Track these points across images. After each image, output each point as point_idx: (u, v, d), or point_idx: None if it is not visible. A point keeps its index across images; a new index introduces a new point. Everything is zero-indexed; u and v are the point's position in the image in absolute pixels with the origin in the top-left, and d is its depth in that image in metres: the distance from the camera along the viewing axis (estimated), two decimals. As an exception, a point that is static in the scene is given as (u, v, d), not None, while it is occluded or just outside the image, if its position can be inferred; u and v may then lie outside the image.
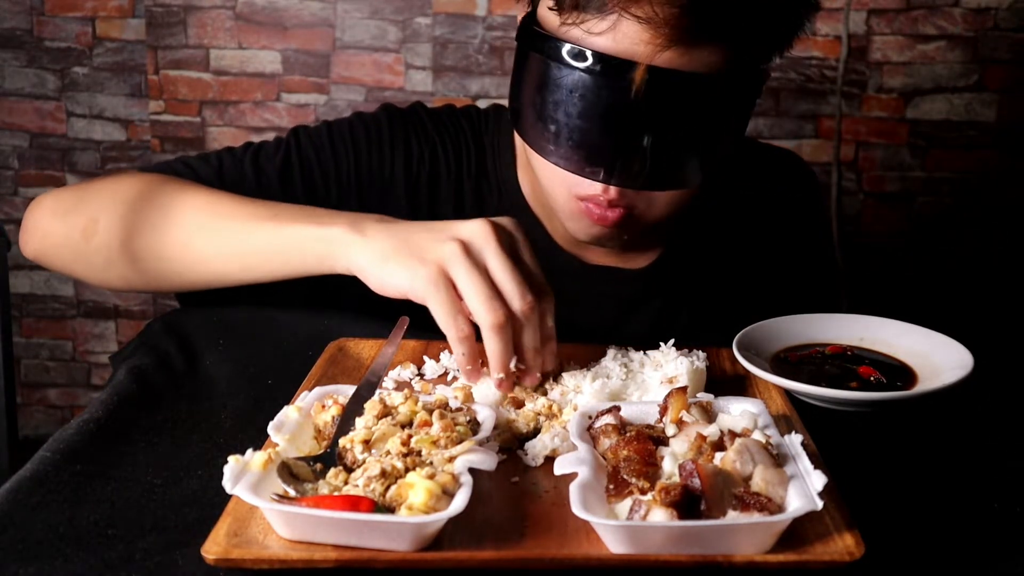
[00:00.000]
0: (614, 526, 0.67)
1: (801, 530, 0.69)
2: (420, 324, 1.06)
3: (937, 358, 0.99)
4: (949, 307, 2.52)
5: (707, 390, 0.92)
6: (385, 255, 0.94)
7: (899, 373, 0.98)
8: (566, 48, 0.98)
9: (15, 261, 2.74)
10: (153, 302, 2.82)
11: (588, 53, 0.96)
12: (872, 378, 0.96)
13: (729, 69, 0.99)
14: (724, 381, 0.99)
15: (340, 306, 1.13)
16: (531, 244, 0.95)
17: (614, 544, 0.68)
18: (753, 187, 1.30)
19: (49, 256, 1.17)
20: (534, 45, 1.02)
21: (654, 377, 0.91)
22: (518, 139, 1.23)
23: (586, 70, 0.97)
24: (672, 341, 0.97)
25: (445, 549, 0.68)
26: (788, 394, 0.93)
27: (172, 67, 2.69)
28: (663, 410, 0.81)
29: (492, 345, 0.88)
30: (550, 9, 1.01)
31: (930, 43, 2.55)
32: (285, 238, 1.03)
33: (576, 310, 1.11)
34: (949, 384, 0.91)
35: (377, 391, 0.86)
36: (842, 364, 1.00)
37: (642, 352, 0.95)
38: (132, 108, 2.72)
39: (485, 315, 0.88)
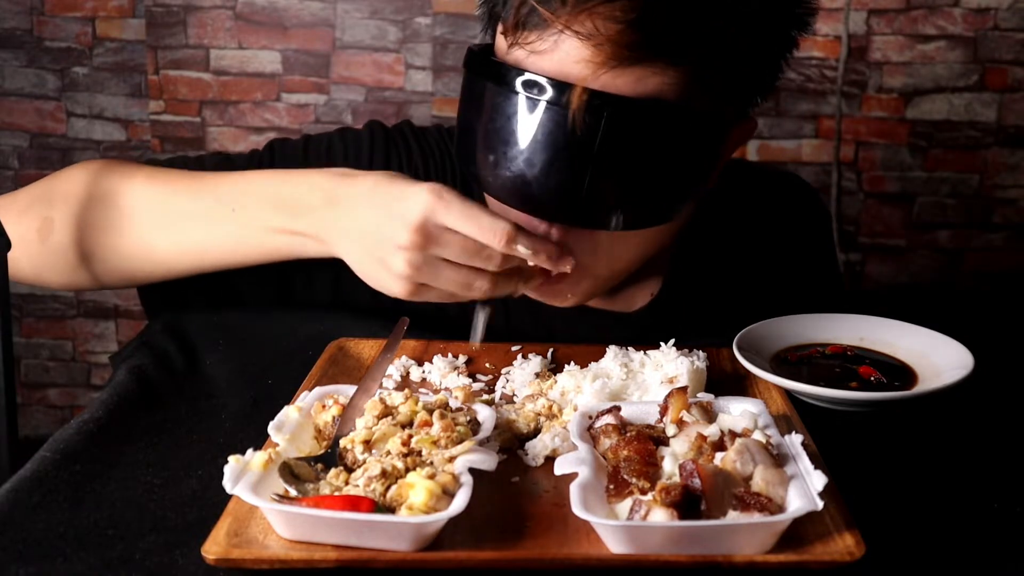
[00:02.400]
0: (614, 526, 0.67)
1: (801, 530, 0.69)
2: (420, 324, 1.07)
3: (937, 358, 0.99)
4: (949, 307, 2.52)
5: (707, 390, 0.92)
6: (362, 268, 0.96)
7: (899, 373, 0.98)
8: (505, 70, 0.91)
9: (15, 261, 2.74)
10: (153, 302, 2.82)
11: (524, 73, 0.89)
12: (872, 378, 0.96)
13: (683, 99, 0.90)
14: (724, 381, 0.99)
15: (340, 306, 1.12)
16: (466, 202, 0.91)
17: (614, 544, 0.68)
18: (756, 215, 1.22)
19: (15, 264, 1.09)
20: (474, 68, 0.97)
21: (654, 377, 0.91)
22: None
23: (525, 94, 0.89)
24: (672, 341, 0.97)
25: (445, 549, 0.68)
26: (788, 394, 0.93)
27: (172, 67, 2.69)
28: (663, 410, 0.81)
29: (481, 315, 0.96)
30: (500, 34, 0.96)
31: (930, 43, 2.55)
32: (248, 235, 1.02)
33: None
34: (949, 384, 0.91)
35: (377, 391, 0.86)
36: (842, 364, 1.00)
37: (642, 352, 0.95)
38: (132, 108, 2.72)
39: (473, 296, 0.93)
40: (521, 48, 0.91)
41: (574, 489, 0.70)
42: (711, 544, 0.67)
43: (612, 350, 0.96)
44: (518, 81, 0.89)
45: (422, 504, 0.68)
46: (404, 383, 0.98)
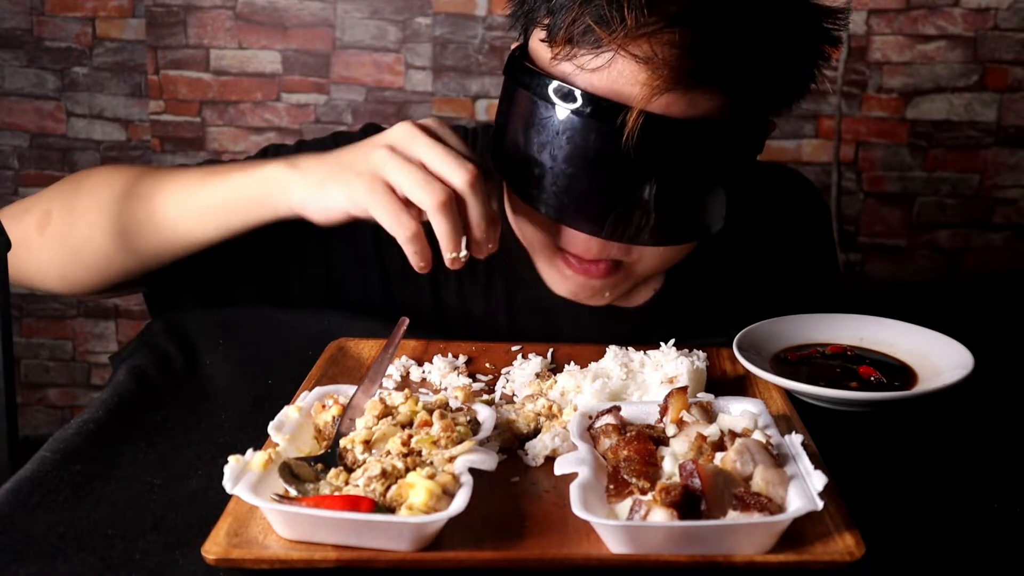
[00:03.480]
0: (614, 526, 0.67)
1: (801, 530, 0.69)
2: (420, 324, 1.07)
3: (937, 358, 0.99)
4: (949, 307, 2.52)
5: (707, 390, 0.92)
6: (321, 181, 0.96)
7: (899, 373, 0.98)
8: (554, 85, 0.91)
9: (15, 261, 2.74)
10: (153, 302, 2.82)
11: (578, 93, 0.89)
12: (872, 378, 0.96)
13: (729, 118, 0.92)
14: (724, 381, 0.99)
15: (340, 306, 1.13)
16: (458, 135, 0.96)
17: (614, 544, 0.68)
18: (756, 209, 1.23)
19: (12, 264, 1.13)
20: (522, 80, 0.95)
21: (654, 377, 0.91)
22: None
23: (575, 111, 0.89)
24: (672, 341, 0.97)
25: (445, 549, 0.68)
26: (788, 394, 0.93)
27: (172, 67, 2.69)
28: (663, 410, 0.81)
29: (440, 225, 0.90)
30: (541, 41, 0.94)
31: (930, 43, 2.55)
32: (228, 189, 1.03)
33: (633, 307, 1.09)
34: (949, 384, 0.91)
35: (377, 391, 0.86)
36: (842, 364, 0.99)
37: (642, 352, 0.95)
38: (132, 108, 2.72)
39: (427, 197, 0.90)
40: (568, 62, 0.91)
41: (574, 489, 0.70)
42: (711, 544, 0.67)
43: (612, 350, 0.96)
44: (572, 100, 0.90)
45: (422, 504, 0.68)
46: (404, 383, 0.98)
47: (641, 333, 1.11)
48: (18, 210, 1.15)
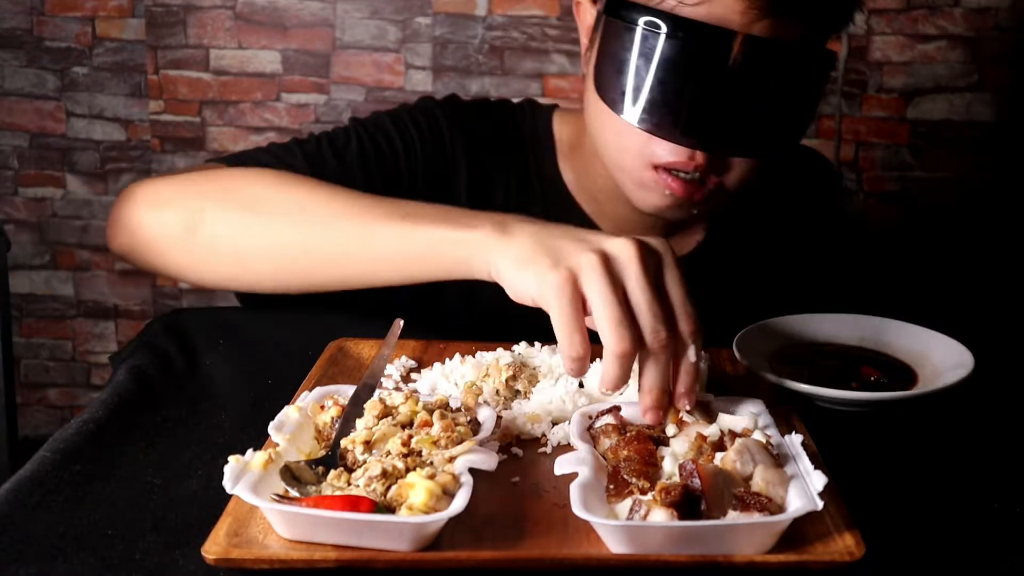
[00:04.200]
0: (614, 526, 0.67)
1: (801, 530, 0.69)
2: (420, 324, 1.07)
3: (937, 358, 0.99)
4: (949, 307, 2.53)
5: (707, 390, 0.92)
6: (522, 259, 0.86)
7: (899, 373, 0.98)
8: (664, 19, 1.01)
9: (15, 261, 2.74)
10: (153, 302, 2.82)
11: (688, 23, 1.00)
12: (872, 378, 0.96)
13: (809, 42, 1.05)
14: (724, 381, 0.99)
15: (340, 306, 1.13)
16: (680, 270, 0.85)
17: (614, 544, 0.68)
18: (781, 183, 1.33)
19: (141, 251, 1.10)
20: (627, 16, 1.04)
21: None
22: (561, 130, 1.27)
23: (685, 39, 1.00)
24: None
25: (445, 549, 0.68)
26: (788, 394, 0.93)
27: (172, 67, 2.69)
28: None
29: (609, 369, 0.80)
30: None
31: (930, 43, 2.55)
32: (420, 240, 0.94)
33: None
34: (949, 384, 0.91)
35: (376, 392, 0.86)
36: (842, 364, 0.99)
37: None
38: (132, 108, 2.72)
39: (611, 340, 0.79)
40: None
41: (574, 489, 0.70)
42: (711, 544, 0.67)
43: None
44: (682, 30, 1.01)
45: (422, 504, 0.68)
46: (404, 383, 0.98)
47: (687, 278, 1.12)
48: (155, 199, 1.08)
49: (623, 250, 0.82)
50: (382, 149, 1.20)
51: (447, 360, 0.98)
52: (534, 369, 0.96)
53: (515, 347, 1.00)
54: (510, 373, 0.92)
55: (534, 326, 1.13)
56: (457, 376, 0.95)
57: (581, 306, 0.81)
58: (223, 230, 1.05)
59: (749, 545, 0.67)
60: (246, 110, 2.70)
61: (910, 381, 0.97)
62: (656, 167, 1.08)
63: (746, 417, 0.80)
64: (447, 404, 0.83)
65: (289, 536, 0.69)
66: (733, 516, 0.69)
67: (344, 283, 1.03)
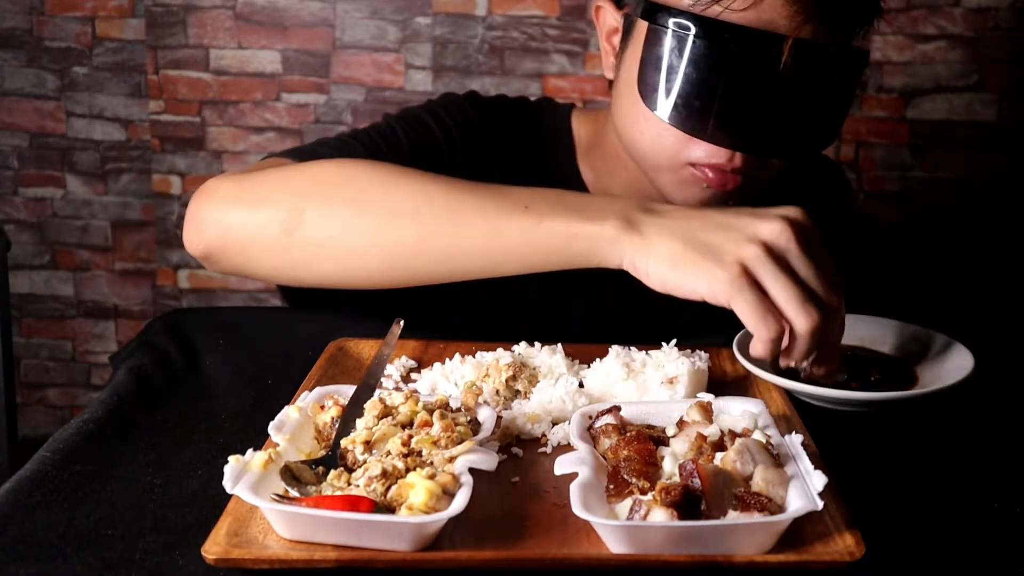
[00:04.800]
0: (614, 526, 0.67)
1: (801, 530, 0.69)
2: (420, 324, 1.07)
3: (937, 358, 0.99)
4: (949, 307, 2.52)
5: (707, 390, 0.92)
6: (674, 261, 0.88)
7: (899, 373, 0.98)
8: (711, 25, 1.01)
9: (15, 261, 2.74)
10: (153, 302, 2.82)
11: (737, 29, 1.00)
12: (872, 378, 0.96)
13: (844, 43, 1.06)
14: (724, 381, 0.99)
15: (340, 306, 1.13)
16: (819, 235, 0.92)
17: (614, 544, 0.68)
18: (791, 188, 1.27)
19: (231, 253, 1.03)
20: (673, 23, 1.03)
21: (655, 377, 0.91)
22: (580, 130, 1.27)
23: (734, 45, 1.00)
24: (674, 341, 0.97)
25: (445, 549, 0.68)
26: (788, 394, 0.93)
27: (172, 67, 2.69)
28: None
29: (803, 345, 0.87)
30: None
31: (930, 43, 2.55)
32: (545, 234, 0.93)
33: (630, 300, 1.11)
34: (949, 384, 0.92)
35: (376, 391, 0.86)
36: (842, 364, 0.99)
37: (644, 352, 0.95)
38: (132, 108, 2.72)
39: (803, 320, 0.86)
40: (717, 4, 1.01)
41: (574, 489, 0.70)
42: (711, 544, 0.67)
43: (614, 349, 0.96)
44: (731, 36, 1.00)
45: (422, 504, 0.68)
46: (404, 383, 0.98)
47: None
48: (242, 197, 1.03)
49: (779, 235, 0.88)
50: (426, 142, 1.20)
51: (447, 360, 0.98)
52: (534, 369, 0.96)
53: (515, 347, 1.00)
54: (510, 373, 0.92)
55: (534, 326, 1.14)
56: (457, 376, 0.95)
57: (761, 291, 0.86)
58: (329, 228, 0.99)
59: (749, 545, 0.67)
60: (246, 110, 2.70)
61: (910, 381, 0.97)
62: (694, 164, 1.08)
63: (746, 417, 0.80)
64: (447, 404, 0.83)
65: (289, 536, 0.69)
66: (733, 516, 0.68)
67: (462, 277, 1.00)
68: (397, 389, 0.94)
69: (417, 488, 0.69)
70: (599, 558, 0.68)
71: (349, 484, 0.72)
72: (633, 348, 0.97)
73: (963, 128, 2.58)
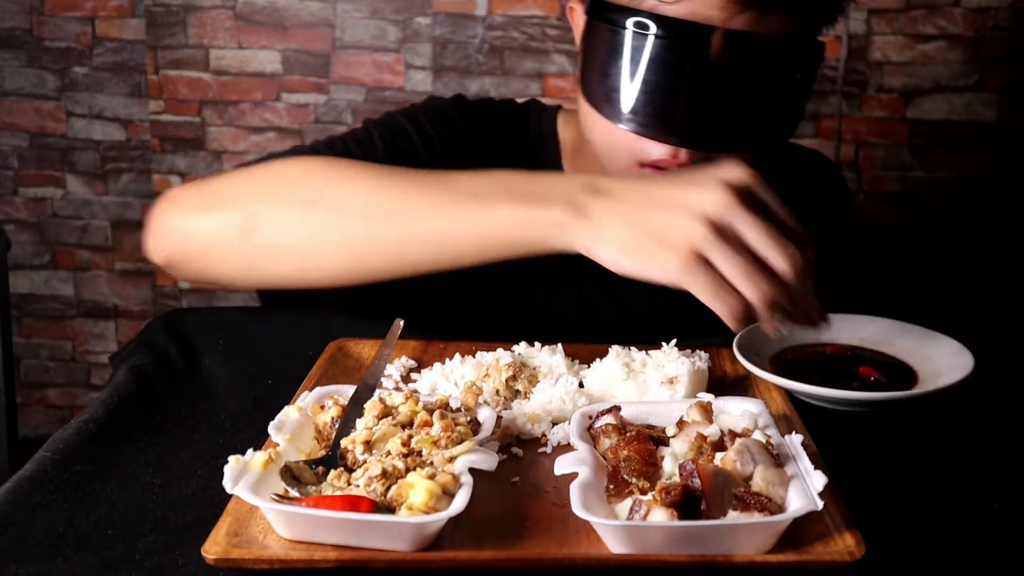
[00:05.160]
0: (614, 526, 0.67)
1: (801, 530, 0.69)
2: (419, 324, 1.07)
3: (937, 358, 0.99)
4: (949, 307, 2.52)
5: (708, 390, 0.92)
6: (624, 247, 0.88)
7: (899, 373, 0.98)
8: (643, 17, 1.00)
9: (15, 261, 2.74)
10: (153, 302, 2.82)
11: (667, 20, 0.99)
12: (872, 378, 0.96)
13: (796, 35, 1.02)
14: (724, 381, 0.99)
15: (340, 306, 1.13)
16: (769, 189, 0.90)
17: (614, 544, 0.68)
18: (782, 187, 1.28)
19: (191, 260, 1.04)
20: (608, 17, 1.03)
21: (655, 377, 0.91)
22: (565, 131, 1.26)
23: (664, 37, 0.99)
24: (674, 341, 0.97)
25: (445, 549, 0.68)
26: (788, 394, 0.93)
27: (172, 67, 2.69)
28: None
29: (765, 315, 0.86)
30: None
31: (930, 43, 2.55)
32: (493, 223, 0.93)
33: (618, 305, 1.10)
34: (949, 384, 0.91)
35: (376, 392, 0.86)
36: (842, 364, 0.99)
37: (644, 352, 0.96)
38: (132, 108, 2.72)
39: (754, 293, 0.84)
40: None
41: (574, 489, 0.70)
42: (711, 544, 0.67)
43: (614, 349, 0.96)
44: (663, 28, 0.99)
45: (422, 504, 0.68)
46: (404, 383, 0.98)
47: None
48: (200, 203, 1.04)
49: (724, 209, 0.85)
50: (403, 147, 1.20)
51: (447, 360, 0.98)
52: (534, 369, 0.96)
53: (515, 347, 1.00)
54: (510, 373, 0.92)
55: (534, 326, 1.14)
56: (457, 376, 0.95)
57: (715, 271, 0.85)
58: (283, 229, 1.00)
59: (749, 545, 0.67)
60: (246, 110, 2.70)
61: (910, 381, 0.97)
62: (643, 164, 1.07)
63: (746, 417, 0.80)
64: (447, 404, 0.83)
65: (289, 536, 0.69)
66: (733, 516, 0.68)
67: (420, 270, 1.00)
68: (397, 389, 0.94)
69: (417, 488, 0.69)
70: (599, 558, 0.68)
71: (349, 484, 0.72)
72: (633, 348, 0.97)
73: (963, 128, 2.58)
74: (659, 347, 0.96)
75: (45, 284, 2.82)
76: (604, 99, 1.05)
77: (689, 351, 0.96)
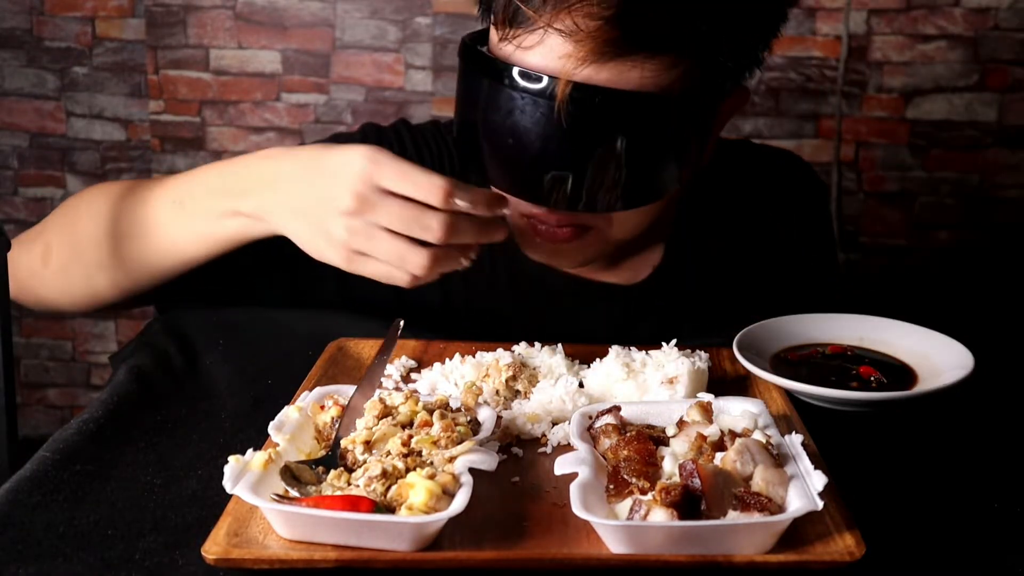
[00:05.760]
0: (614, 526, 0.67)
1: (801, 530, 0.69)
2: (419, 324, 1.07)
3: (937, 358, 0.99)
4: (949, 307, 2.52)
5: (708, 390, 0.92)
6: (304, 243, 0.97)
7: (899, 373, 0.98)
8: (496, 64, 0.95)
9: (15, 261, 2.73)
10: (153, 302, 2.82)
11: (513, 68, 0.93)
12: (872, 378, 0.96)
13: (673, 84, 0.93)
14: (724, 381, 0.99)
15: (340, 306, 1.13)
16: (399, 165, 0.91)
17: (614, 544, 0.68)
18: (755, 192, 1.26)
19: (26, 293, 1.15)
20: (469, 61, 1.00)
21: (654, 377, 0.91)
22: None
23: (512, 86, 0.93)
24: (674, 342, 0.97)
25: (445, 549, 0.68)
26: (788, 394, 0.93)
27: (172, 67, 2.69)
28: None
29: (436, 272, 0.93)
30: (492, 25, 0.99)
31: (930, 43, 2.55)
32: (199, 225, 1.03)
33: (574, 328, 1.10)
34: (949, 384, 0.91)
35: (376, 392, 0.86)
36: (842, 364, 0.99)
37: (644, 352, 0.95)
38: (132, 108, 2.72)
39: (407, 274, 0.93)
40: (510, 43, 0.94)
41: (574, 489, 0.70)
42: (711, 544, 0.67)
43: (614, 349, 0.96)
44: (506, 75, 0.94)
45: (422, 504, 0.68)
46: (404, 383, 0.98)
47: (643, 310, 1.16)
48: (27, 238, 1.15)
49: (352, 198, 0.91)
50: None
51: (447, 360, 0.98)
52: (534, 369, 0.96)
53: (515, 347, 1.00)
54: (510, 373, 0.92)
55: (534, 327, 1.14)
56: (457, 376, 0.95)
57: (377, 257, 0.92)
58: (62, 257, 1.10)
59: (749, 545, 0.67)
60: (246, 110, 2.70)
61: (910, 381, 0.97)
62: (524, 215, 1.03)
63: (746, 417, 0.80)
64: (447, 404, 0.83)
65: (289, 536, 0.69)
66: (733, 516, 0.68)
67: (167, 272, 1.08)
68: (397, 389, 0.94)
69: (417, 488, 0.69)
70: (599, 558, 0.68)
71: (349, 484, 0.72)
72: (633, 348, 0.97)
73: (963, 128, 2.58)
74: (659, 347, 0.96)
75: (45, 284, 2.82)
76: (468, 149, 1.02)
77: (689, 351, 0.96)
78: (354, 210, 0.91)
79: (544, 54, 0.93)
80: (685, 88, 0.95)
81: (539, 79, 0.92)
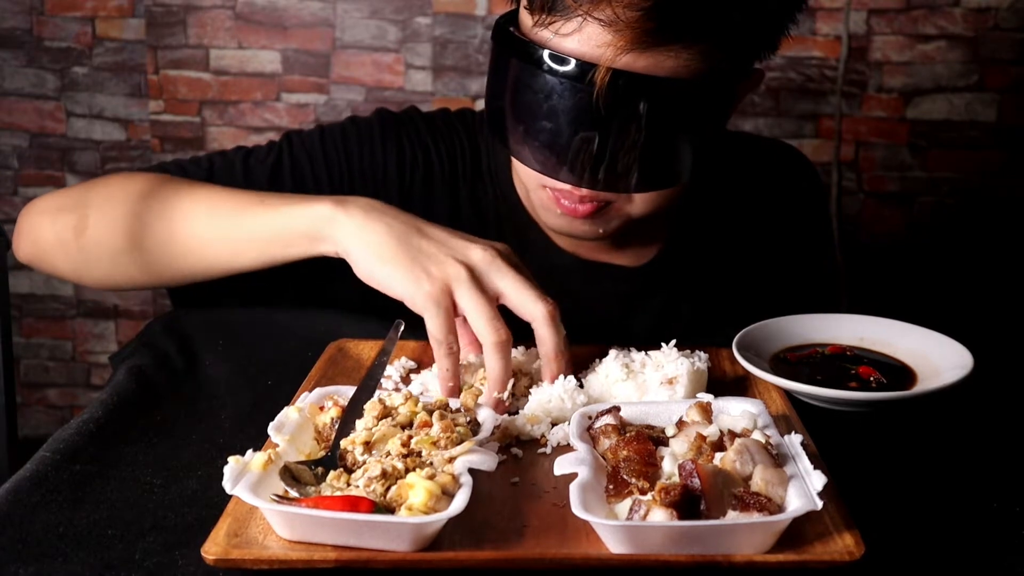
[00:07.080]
0: (614, 526, 0.67)
1: (801, 530, 0.69)
2: (419, 324, 1.07)
3: (937, 358, 0.99)
4: (949, 307, 2.52)
5: (707, 390, 0.92)
6: (383, 256, 0.95)
7: (899, 373, 0.98)
8: (534, 49, 0.98)
9: (15, 261, 2.73)
10: (153, 302, 2.82)
11: (552, 55, 0.97)
12: (872, 378, 0.96)
13: (703, 70, 0.98)
14: (724, 381, 0.99)
15: (340, 306, 1.13)
16: (527, 267, 0.97)
17: (614, 544, 0.68)
18: (754, 182, 1.30)
19: (41, 259, 1.17)
20: (505, 44, 1.03)
21: (654, 377, 0.91)
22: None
23: (551, 71, 0.97)
24: (674, 342, 0.97)
25: (445, 549, 0.68)
26: (788, 394, 0.93)
27: (172, 67, 2.69)
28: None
29: (493, 362, 0.89)
30: (524, 8, 1.02)
31: (930, 43, 2.55)
32: (272, 220, 1.03)
33: (577, 307, 1.11)
34: (949, 384, 0.92)
35: (376, 392, 0.86)
36: (842, 364, 0.99)
37: (643, 352, 0.95)
38: (132, 108, 2.72)
39: (489, 334, 0.90)
40: (545, 29, 0.98)
41: (574, 489, 0.70)
42: (711, 544, 0.67)
43: (614, 351, 0.96)
44: (548, 61, 0.97)
45: (422, 504, 0.68)
46: (404, 384, 0.98)
47: (646, 291, 1.22)
48: (50, 207, 1.16)
49: (483, 258, 0.94)
50: (300, 165, 1.19)
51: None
52: (530, 377, 0.96)
53: (513, 351, 0.99)
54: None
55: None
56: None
57: (454, 312, 0.92)
58: (102, 231, 1.10)
59: (749, 545, 0.67)
60: (246, 110, 2.70)
61: (910, 381, 0.97)
62: (550, 188, 1.07)
63: (746, 417, 0.80)
64: (447, 405, 0.83)
65: (289, 537, 0.69)
66: (733, 516, 0.69)
67: (211, 268, 1.09)
68: (397, 390, 0.94)
69: (417, 488, 0.69)
70: (599, 558, 0.68)
71: (349, 485, 0.72)
72: (632, 349, 0.97)
73: (963, 128, 2.58)
74: (658, 347, 0.96)
75: (45, 284, 2.82)
76: (501, 128, 1.05)
77: (688, 351, 0.96)
78: (483, 261, 0.94)
79: (582, 41, 0.96)
80: (714, 73, 0.99)
81: (582, 66, 0.95)
